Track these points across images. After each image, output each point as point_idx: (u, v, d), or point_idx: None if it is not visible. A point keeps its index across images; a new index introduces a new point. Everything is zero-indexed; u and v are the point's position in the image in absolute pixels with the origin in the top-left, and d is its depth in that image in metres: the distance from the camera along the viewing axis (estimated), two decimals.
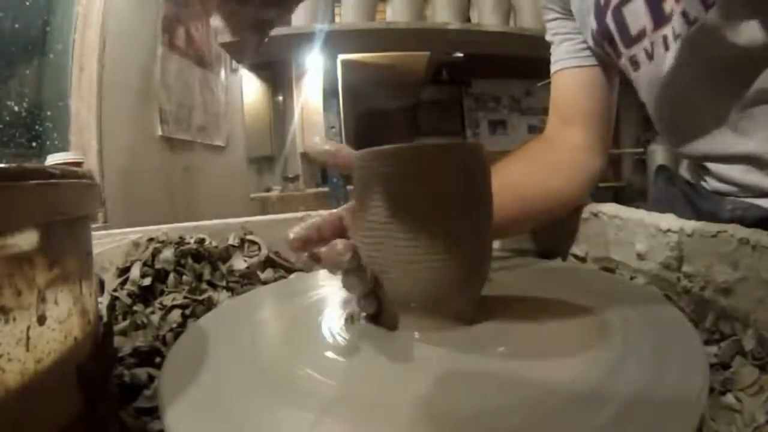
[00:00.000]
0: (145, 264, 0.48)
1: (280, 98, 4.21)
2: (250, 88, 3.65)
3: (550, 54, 0.60)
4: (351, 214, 0.33)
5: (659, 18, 0.47)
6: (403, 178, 0.28)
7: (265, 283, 0.52)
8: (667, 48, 0.47)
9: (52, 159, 1.06)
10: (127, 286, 0.45)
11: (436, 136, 3.27)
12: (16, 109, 1.49)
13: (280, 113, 4.18)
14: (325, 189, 2.32)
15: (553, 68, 0.59)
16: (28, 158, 1.50)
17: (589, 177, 0.54)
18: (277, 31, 1.62)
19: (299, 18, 1.61)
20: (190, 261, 0.50)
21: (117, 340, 0.36)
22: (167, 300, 0.43)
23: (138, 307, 0.42)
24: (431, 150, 0.28)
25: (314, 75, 3.34)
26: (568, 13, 0.58)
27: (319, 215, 0.34)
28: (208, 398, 0.24)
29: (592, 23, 0.53)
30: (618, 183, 4.52)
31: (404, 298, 0.29)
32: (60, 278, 0.21)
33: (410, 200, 0.28)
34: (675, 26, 0.45)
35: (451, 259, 0.28)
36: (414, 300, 0.29)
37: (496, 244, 0.32)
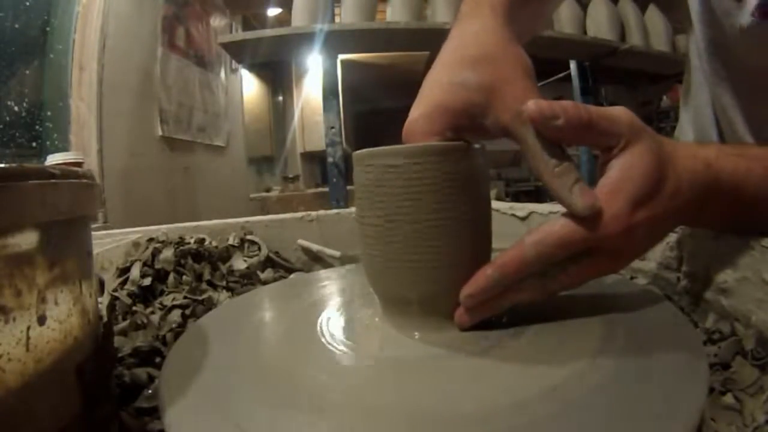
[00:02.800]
0: (145, 264, 0.48)
1: (280, 98, 4.21)
2: (250, 88, 3.66)
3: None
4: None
5: None
6: (404, 178, 0.28)
7: (265, 283, 0.52)
8: None
9: (52, 159, 1.06)
10: (127, 286, 0.45)
11: None
12: (16, 109, 1.49)
13: (280, 113, 4.18)
14: (326, 189, 2.32)
15: None
16: (28, 158, 1.50)
17: None
18: (277, 31, 1.62)
19: (299, 18, 1.61)
20: (190, 261, 0.50)
21: (117, 340, 0.36)
22: (167, 300, 0.43)
23: (138, 307, 0.42)
24: (432, 150, 0.28)
25: (314, 75, 3.34)
26: None
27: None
28: (208, 398, 0.24)
29: None
30: None
31: (404, 298, 0.29)
32: (60, 278, 0.21)
33: (411, 200, 0.27)
34: None
35: (451, 259, 0.28)
36: (414, 300, 0.29)
37: (495, 244, 0.32)
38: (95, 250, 0.31)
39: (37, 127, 1.56)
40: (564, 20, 2.02)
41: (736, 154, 0.31)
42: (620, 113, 0.28)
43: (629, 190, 0.27)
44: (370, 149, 0.29)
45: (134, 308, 0.42)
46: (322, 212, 0.64)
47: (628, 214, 0.26)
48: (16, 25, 1.47)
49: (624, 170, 0.27)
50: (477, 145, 0.30)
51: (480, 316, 0.29)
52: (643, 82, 3.03)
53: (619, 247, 0.27)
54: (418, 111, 0.32)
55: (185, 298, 0.44)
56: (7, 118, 1.45)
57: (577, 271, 0.28)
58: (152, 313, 0.41)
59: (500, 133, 0.31)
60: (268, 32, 1.63)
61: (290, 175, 3.51)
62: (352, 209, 0.65)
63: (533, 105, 0.27)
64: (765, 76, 0.45)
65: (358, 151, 0.30)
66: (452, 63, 0.33)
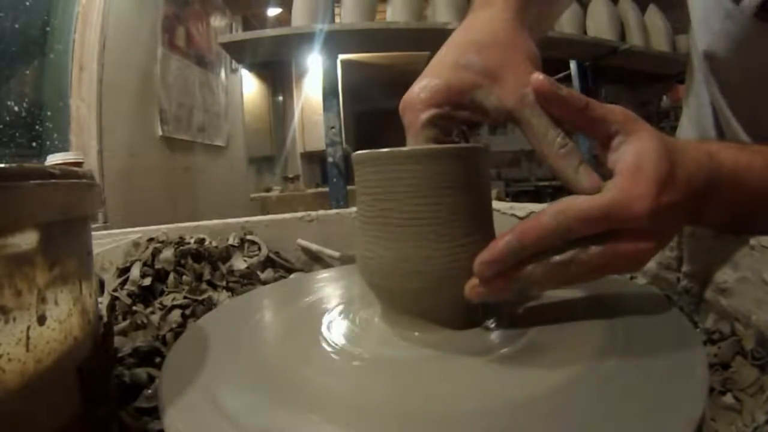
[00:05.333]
0: (145, 264, 0.48)
1: (280, 98, 4.21)
2: (250, 88, 3.66)
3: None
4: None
5: None
6: (408, 179, 0.27)
7: (265, 283, 0.52)
8: None
9: (52, 159, 1.06)
10: (127, 286, 0.45)
11: None
12: (16, 109, 1.49)
13: (280, 113, 4.18)
14: (326, 189, 2.32)
15: None
16: (28, 158, 1.50)
17: None
18: (277, 31, 1.62)
19: (299, 18, 1.61)
20: (190, 261, 0.50)
21: (117, 340, 0.36)
22: (167, 300, 0.43)
23: (138, 307, 0.42)
24: (438, 152, 0.28)
25: (314, 75, 3.34)
26: None
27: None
28: (208, 398, 0.24)
29: None
30: None
31: (405, 299, 0.29)
32: (60, 278, 0.21)
33: (414, 202, 0.27)
34: None
35: (452, 261, 0.28)
36: (415, 300, 0.29)
37: None
38: (95, 250, 0.31)
39: (37, 127, 1.56)
40: (564, 20, 2.01)
41: (736, 147, 0.31)
42: (614, 106, 0.29)
43: (650, 171, 0.26)
44: (374, 150, 0.29)
45: (134, 308, 0.42)
46: (322, 212, 0.64)
47: (654, 194, 0.26)
48: (16, 25, 1.47)
49: (639, 154, 0.27)
50: (480, 146, 0.30)
51: (493, 292, 0.27)
52: (643, 82, 3.03)
53: (643, 232, 0.27)
54: (419, 85, 0.32)
55: (185, 298, 0.44)
56: (7, 118, 1.45)
57: (599, 253, 0.27)
58: (152, 313, 0.41)
59: (502, 116, 0.31)
60: (268, 32, 1.63)
61: (290, 175, 3.51)
62: (352, 209, 0.65)
63: (538, 75, 0.28)
64: (760, 80, 0.45)
65: (362, 152, 0.29)
66: (459, 45, 0.33)
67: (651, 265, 0.40)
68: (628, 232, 0.27)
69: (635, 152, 0.27)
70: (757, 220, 0.31)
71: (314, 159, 3.97)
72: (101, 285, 0.46)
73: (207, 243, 0.54)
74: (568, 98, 0.28)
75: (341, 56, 2.16)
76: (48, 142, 1.57)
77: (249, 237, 0.58)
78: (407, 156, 0.28)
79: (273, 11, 3.34)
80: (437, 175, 0.27)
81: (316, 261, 0.61)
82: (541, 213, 0.27)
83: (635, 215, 0.26)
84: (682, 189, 0.27)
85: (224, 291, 0.48)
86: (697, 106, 0.57)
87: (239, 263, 0.53)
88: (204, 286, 0.48)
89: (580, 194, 0.27)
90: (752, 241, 0.30)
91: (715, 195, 0.29)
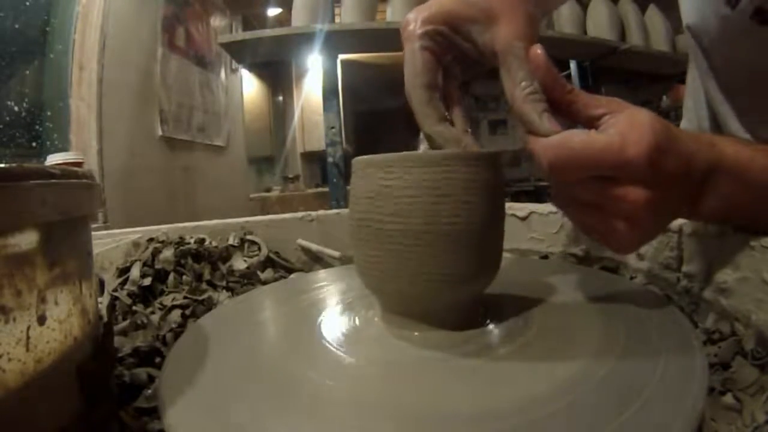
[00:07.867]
0: (145, 264, 0.48)
1: (280, 98, 4.21)
2: (250, 88, 3.66)
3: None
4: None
5: None
6: (409, 186, 0.27)
7: (265, 283, 0.52)
8: None
9: (52, 159, 1.06)
10: (127, 286, 0.45)
11: None
12: (16, 109, 1.49)
13: (280, 113, 4.18)
14: (326, 189, 2.32)
15: None
16: (28, 158, 1.50)
17: None
18: (277, 31, 1.62)
19: (299, 18, 1.60)
20: (190, 261, 0.50)
21: (117, 340, 0.36)
22: (167, 300, 0.43)
23: (138, 307, 0.42)
24: (456, 158, 0.27)
25: (314, 75, 3.34)
26: None
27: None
28: (208, 398, 0.24)
29: None
30: None
31: (406, 300, 0.29)
32: (60, 278, 0.21)
33: (427, 207, 0.27)
34: None
35: (453, 263, 0.28)
36: (416, 302, 0.29)
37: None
38: (95, 250, 0.31)
39: (37, 127, 1.56)
40: (564, 20, 2.01)
41: (739, 142, 0.31)
42: (600, 96, 0.30)
43: (647, 124, 0.26)
44: (374, 156, 0.29)
45: (134, 308, 0.42)
46: (322, 212, 0.64)
47: (651, 142, 0.26)
48: (16, 25, 1.47)
49: (634, 116, 0.27)
50: (498, 152, 0.29)
51: None
52: (643, 82, 3.03)
53: (638, 181, 0.26)
54: (419, 8, 0.35)
55: (185, 298, 0.44)
56: (7, 118, 1.45)
57: (599, 189, 0.27)
58: (152, 313, 0.41)
59: (487, 53, 0.33)
60: (268, 32, 1.63)
61: (290, 175, 3.51)
62: None
63: (537, 47, 0.30)
64: (760, 76, 0.45)
65: (361, 158, 0.29)
66: None
67: (651, 265, 0.40)
68: (622, 180, 0.27)
69: (630, 115, 0.27)
70: (757, 218, 0.31)
71: (314, 159, 3.97)
72: (101, 285, 0.46)
73: (207, 243, 0.54)
74: (558, 78, 0.29)
75: (341, 56, 2.16)
76: (48, 142, 1.57)
77: (249, 237, 0.58)
78: (428, 160, 0.27)
79: (273, 11, 3.34)
80: (453, 181, 0.27)
81: (316, 261, 0.61)
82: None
83: (629, 159, 0.26)
84: (684, 162, 0.27)
85: (224, 291, 0.48)
86: (695, 108, 0.58)
87: (239, 263, 0.53)
88: (204, 286, 0.48)
89: (539, 135, 0.28)
90: (752, 242, 0.30)
91: (716, 183, 0.29)
